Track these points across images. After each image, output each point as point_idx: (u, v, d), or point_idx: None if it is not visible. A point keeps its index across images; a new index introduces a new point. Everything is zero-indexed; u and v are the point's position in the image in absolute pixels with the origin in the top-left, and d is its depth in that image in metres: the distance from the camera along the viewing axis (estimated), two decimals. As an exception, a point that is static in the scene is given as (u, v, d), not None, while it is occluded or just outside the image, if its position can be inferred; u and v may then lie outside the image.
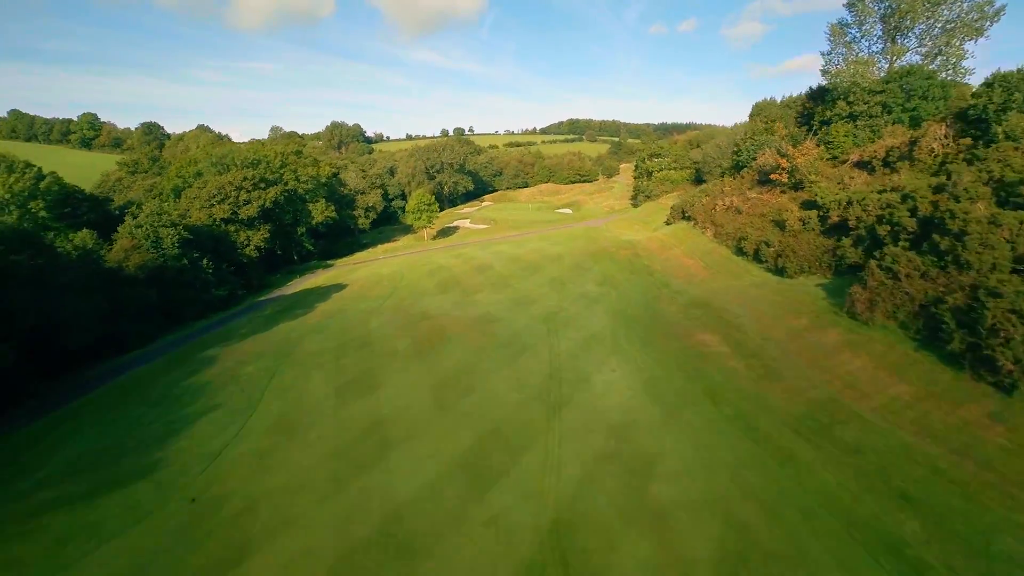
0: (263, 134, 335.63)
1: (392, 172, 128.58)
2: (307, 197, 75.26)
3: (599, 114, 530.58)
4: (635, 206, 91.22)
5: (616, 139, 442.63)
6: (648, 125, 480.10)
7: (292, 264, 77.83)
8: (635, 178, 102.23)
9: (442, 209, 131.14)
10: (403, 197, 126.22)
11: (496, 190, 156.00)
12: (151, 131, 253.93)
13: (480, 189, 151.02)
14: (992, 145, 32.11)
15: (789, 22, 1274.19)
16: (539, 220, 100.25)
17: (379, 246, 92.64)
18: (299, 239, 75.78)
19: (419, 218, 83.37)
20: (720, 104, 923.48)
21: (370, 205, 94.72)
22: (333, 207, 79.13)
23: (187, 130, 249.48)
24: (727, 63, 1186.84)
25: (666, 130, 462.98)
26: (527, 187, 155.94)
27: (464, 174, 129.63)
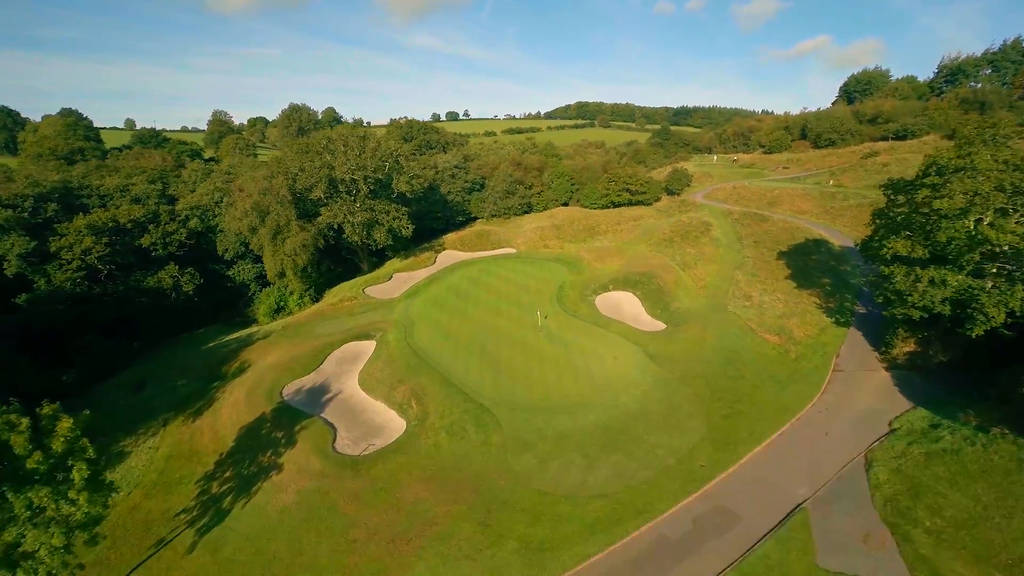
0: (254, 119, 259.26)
1: (221, 202, 57.19)
2: None
3: (607, 98, 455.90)
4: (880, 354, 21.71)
5: (632, 124, 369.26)
6: (667, 109, 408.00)
7: None
8: (884, 266, 31.23)
9: (346, 276, 60.47)
10: (251, 256, 55.62)
11: (476, 217, 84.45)
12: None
13: (445, 218, 79.85)
14: None
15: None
16: (577, 428, 30.18)
17: None
18: None
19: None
20: (727, 91, 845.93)
21: None
22: None
23: (48, 114, 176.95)
24: (736, 46, 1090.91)
25: (686, 114, 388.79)
26: (531, 212, 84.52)
27: (395, 202, 58.36)
